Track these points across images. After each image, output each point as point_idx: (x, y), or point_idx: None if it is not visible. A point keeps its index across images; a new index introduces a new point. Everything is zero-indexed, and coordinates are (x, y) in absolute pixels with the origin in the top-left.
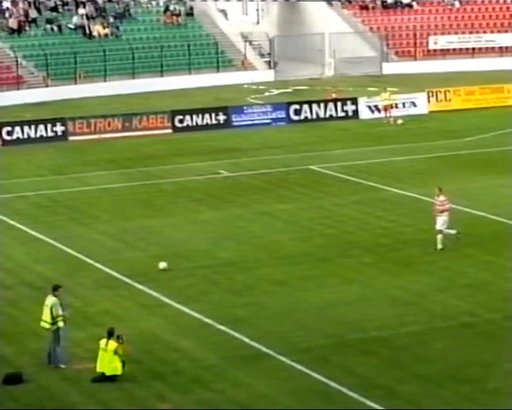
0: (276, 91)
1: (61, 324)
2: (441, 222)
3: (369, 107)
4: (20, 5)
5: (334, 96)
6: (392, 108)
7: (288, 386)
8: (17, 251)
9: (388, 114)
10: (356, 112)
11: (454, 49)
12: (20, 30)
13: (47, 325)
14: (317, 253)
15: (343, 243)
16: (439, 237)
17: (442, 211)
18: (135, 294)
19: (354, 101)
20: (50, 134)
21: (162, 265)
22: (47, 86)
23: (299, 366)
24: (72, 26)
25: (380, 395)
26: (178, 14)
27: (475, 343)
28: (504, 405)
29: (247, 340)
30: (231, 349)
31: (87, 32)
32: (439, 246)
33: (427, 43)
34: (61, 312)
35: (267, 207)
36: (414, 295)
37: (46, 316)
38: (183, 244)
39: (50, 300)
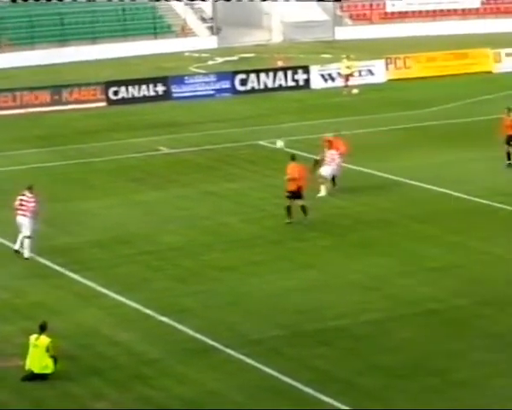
0: (219, 59)
1: None
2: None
3: (322, 75)
4: None
5: (279, 63)
6: (352, 76)
7: (238, 381)
8: None
9: (346, 84)
10: (307, 81)
11: (413, 12)
12: None
13: None
14: (269, 235)
15: (297, 224)
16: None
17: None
18: (70, 283)
19: (306, 69)
20: None
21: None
22: None
23: (249, 360)
24: None
25: (337, 390)
26: None
27: (442, 332)
28: (472, 397)
29: (191, 332)
30: (175, 342)
31: None
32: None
33: (385, 5)
34: None
35: (214, 186)
36: (375, 280)
37: None
38: (123, 228)
39: None
